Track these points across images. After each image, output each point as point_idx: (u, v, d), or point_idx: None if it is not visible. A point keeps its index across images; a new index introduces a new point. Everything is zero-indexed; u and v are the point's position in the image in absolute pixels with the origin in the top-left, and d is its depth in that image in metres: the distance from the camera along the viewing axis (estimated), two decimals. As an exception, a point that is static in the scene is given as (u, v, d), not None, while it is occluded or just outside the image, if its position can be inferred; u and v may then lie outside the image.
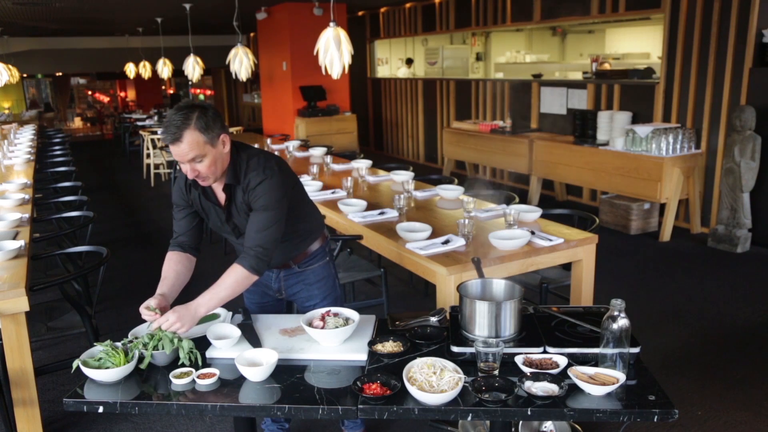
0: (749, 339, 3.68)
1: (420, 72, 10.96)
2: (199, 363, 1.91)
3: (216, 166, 2.08)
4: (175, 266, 2.23)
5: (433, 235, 3.05)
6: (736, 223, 5.18)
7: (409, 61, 11.16)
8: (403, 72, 11.06)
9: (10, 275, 2.69)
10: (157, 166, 9.69)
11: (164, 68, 10.42)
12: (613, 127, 6.15)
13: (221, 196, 2.23)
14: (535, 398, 1.66)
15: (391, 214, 3.52)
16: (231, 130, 9.70)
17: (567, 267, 3.29)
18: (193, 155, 2.01)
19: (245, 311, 2.23)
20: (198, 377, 1.83)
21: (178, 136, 1.97)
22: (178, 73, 10.51)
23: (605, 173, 5.93)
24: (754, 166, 5.02)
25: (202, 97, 21.36)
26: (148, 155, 9.51)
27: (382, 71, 11.30)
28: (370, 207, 3.69)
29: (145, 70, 12.10)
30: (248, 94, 15.89)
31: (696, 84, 5.67)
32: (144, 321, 2.18)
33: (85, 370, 1.82)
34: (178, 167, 7.19)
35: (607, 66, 7.33)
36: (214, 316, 2.24)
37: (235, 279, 2.11)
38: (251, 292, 2.53)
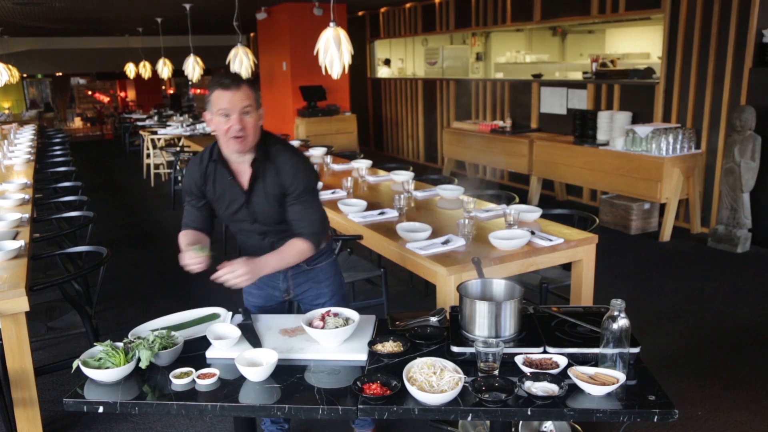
0: (749, 339, 3.68)
1: (420, 72, 10.96)
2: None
3: (256, 129, 2.16)
4: (193, 235, 2.28)
5: (433, 235, 3.05)
6: (736, 223, 5.18)
7: (387, 62, 11.19)
8: (385, 72, 11.06)
9: (10, 275, 2.69)
10: (157, 166, 9.68)
11: (164, 68, 10.42)
12: (613, 127, 6.15)
13: (243, 177, 2.24)
14: (535, 398, 1.66)
15: (391, 214, 3.51)
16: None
17: (567, 267, 3.29)
18: (247, 104, 2.10)
19: (245, 311, 2.23)
20: (198, 377, 1.82)
21: (239, 84, 2.09)
22: (178, 73, 10.51)
23: (605, 173, 5.93)
24: (754, 166, 5.02)
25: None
26: (148, 155, 9.51)
27: (382, 71, 11.30)
28: (370, 207, 3.69)
29: (145, 70, 12.09)
30: (248, 94, 15.86)
31: (696, 84, 5.67)
32: (143, 321, 2.18)
33: (85, 370, 1.82)
34: (179, 165, 7.21)
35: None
36: (214, 316, 2.24)
37: (299, 250, 2.22)
38: (255, 296, 2.49)
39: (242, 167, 2.24)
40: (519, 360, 1.84)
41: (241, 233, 2.37)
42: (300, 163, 2.22)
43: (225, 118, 2.10)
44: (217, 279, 2.06)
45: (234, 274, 2.04)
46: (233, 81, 2.09)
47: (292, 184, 2.20)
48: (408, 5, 9.71)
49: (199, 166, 2.27)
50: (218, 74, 2.17)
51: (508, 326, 1.93)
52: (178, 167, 7.33)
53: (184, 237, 2.28)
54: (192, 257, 2.10)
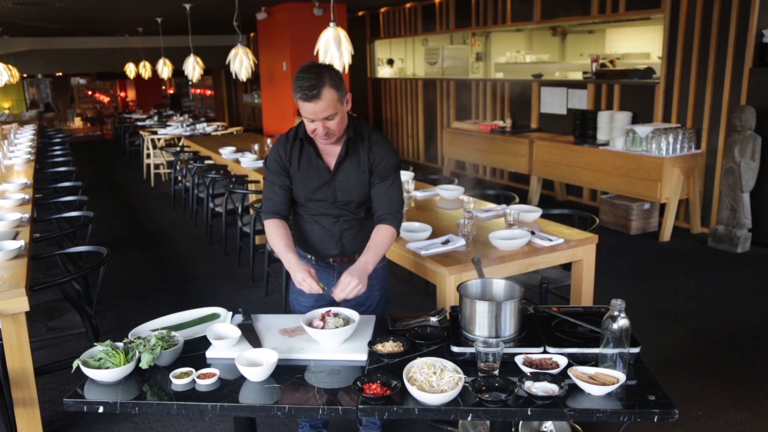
0: (749, 339, 3.68)
1: (420, 72, 10.97)
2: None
3: (342, 124, 2.17)
4: (286, 232, 2.28)
5: (433, 235, 3.05)
6: (736, 223, 5.18)
7: (390, 62, 11.19)
8: (387, 72, 11.05)
9: (10, 275, 2.69)
10: (157, 166, 9.68)
11: (164, 68, 10.42)
12: (613, 127, 6.15)
13: (330, 157, 2.27)
14: (535, 398, 1.66)
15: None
16: (231, 130, 9.70)
17: (567, 267, 3.29)
18: (329, 113, 2.08)
19: (245, 311, 2.23)
20: (198, 377, 1.82)
21: (317, 94, 2.04)
22: (178, 73, 10.51)
23: (605, 173, 5.93)
24: (754, 166, 5.02)
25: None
26: (148, 155, 9.51)
27: (384, 71, 11.30)
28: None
29: (145, 70, 12.09)
30: (248, 94, 15.88)
31: (696, 84, 5.67)
32: (143, 321, 2.18)
33: (85, 370, 1.82)
34: (178, 165, 7.21)
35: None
36: (214, 316, 2.24)
37: (390, 239, 2.26)
38: (306, 296, 2.38)
39: (329, 146, 2.26)
40: (519, 360, 1.84)
41: (314, 218, 2.34)
42: (389, 144, 2.31)
43: (310, 121, 2.13)
44: (339, 299, 2.12)
45: (350, 287, 2.09)
46: (313, 90, 2.02)
47: (382, 161, 2.25)
48: (408, 5, 9.71)
49: (285, 143, 2.29)
50: (302, 73, 2.05)
51: (508, 326, 1.93)
52: (178, 167, 7.33)
53: (275, 230, 2.27)
54: (316, 289, 2.12)
